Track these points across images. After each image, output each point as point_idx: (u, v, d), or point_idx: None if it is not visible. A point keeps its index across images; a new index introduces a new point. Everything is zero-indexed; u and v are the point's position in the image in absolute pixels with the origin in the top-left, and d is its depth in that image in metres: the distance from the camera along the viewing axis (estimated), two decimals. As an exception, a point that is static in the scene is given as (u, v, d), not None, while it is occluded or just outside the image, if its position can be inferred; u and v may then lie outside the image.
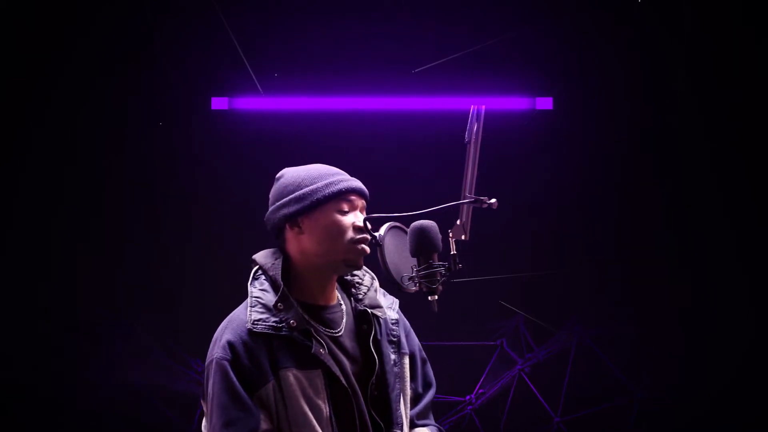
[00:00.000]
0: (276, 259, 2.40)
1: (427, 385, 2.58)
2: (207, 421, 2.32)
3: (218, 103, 4.99)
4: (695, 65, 5.01)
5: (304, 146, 5.01)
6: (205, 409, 2.37)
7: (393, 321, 2.49)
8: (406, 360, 2.50)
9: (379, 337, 2.44)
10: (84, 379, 4.97)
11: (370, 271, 2.54)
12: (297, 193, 2.37)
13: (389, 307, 2.52)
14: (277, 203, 2.40)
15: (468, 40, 5.01)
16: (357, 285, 2.51)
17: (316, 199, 2.35)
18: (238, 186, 5.08)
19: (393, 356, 2.45)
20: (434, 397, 2.60)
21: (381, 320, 2.47)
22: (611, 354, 5.09)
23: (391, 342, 2.46)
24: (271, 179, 2.49)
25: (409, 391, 2.50)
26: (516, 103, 4.99)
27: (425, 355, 2.61)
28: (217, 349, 2.30)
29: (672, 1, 4.89)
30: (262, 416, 2.25)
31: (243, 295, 2.40)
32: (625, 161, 5.25)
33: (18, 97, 4.93)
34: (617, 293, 5.23)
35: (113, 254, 5.10)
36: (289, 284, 2.37)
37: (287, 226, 2.39)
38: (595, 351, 5.08)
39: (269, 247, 2.47)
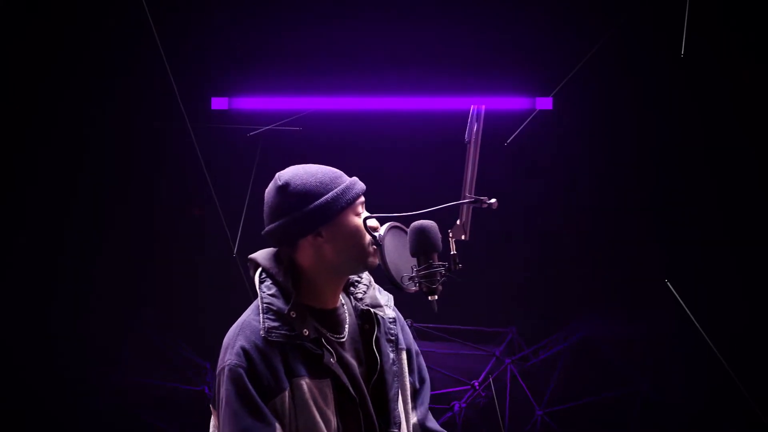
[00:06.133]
0: (281, 264, 2.37)
1: (422, 380, 2.58)
2: (220, 429, 2.28)
3: (218, 103, 4.98)
4: (695, 65, 5.01)
5: (303, 146, 5.01)
6: (215, 416, 2.35)
7: (390, 320, 2.49)
8: (404, 356, 2.50)
9: (379, 336, 2.44)
10: (88, 380, 4.97)
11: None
12: (318, 202, 2.32)
13: (386, 305, 2.51)
14: (291, 216, 2.33)
15: (468, 39, 5.01)
16: (356, 283, 2.50)
17: (338, 207, 2.33)
18: (239, 186, 5.08)
19: (392, 355, 2.45)
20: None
21: (380, 319, 2.46)
22: (611, 354, 5.09)
23: (389, 341, 2.45)
24: (271, 179, 2.45)
25: (408, 387, 2.50)
26: (516, 103, 4.99)
27: (418, 348, 2.60)
28: (230, 356, 2.26)
29: (672, 1, 4.89)
30: (278, 426, 2.22)
31: (244, 294, 2.40)
32: (624, 161, 5.25)
33: (17, 98, 4.93)
34: (617, 293, 5.23)
35: (114, 254, 5.10)
36: (298, 289, 2.34)
37: (308, 237, 2.34)
38: (595, 351, 5.08)
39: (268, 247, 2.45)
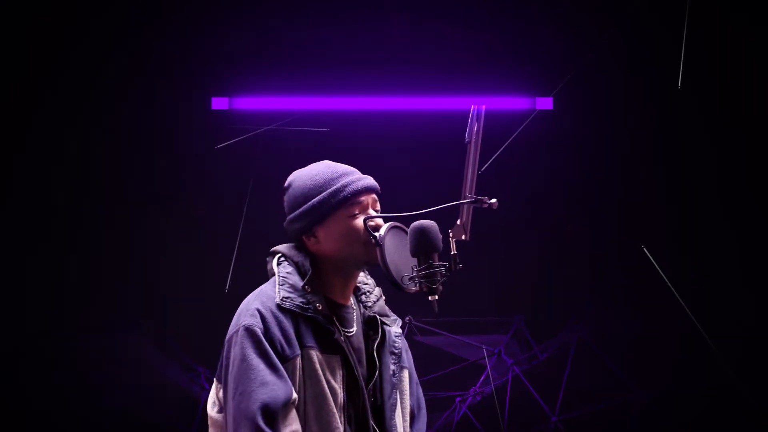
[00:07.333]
0: (300, 251, 2.42)
1: (419, 408, 2.60)
2: (230, 388, 2.26)
3: (218, 103, 4.99)
4: (695, 64, 5.01)
5: (304, 147, 5.02)
6: (217, 388, 2.34)
7: (396, 334, 2.52)
8: (405, 374, 2.53)
9: (382, 345, 2.47)
10: (86, 381, 4.97)
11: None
12: (306, 206, 2.39)
13: (393, 321, 2.54)
14: (291, 216, 2.42)
15: (468, 39, 5.01)
16: (367, 293, 2.54)
17: (325, 210, 2.37)
18: (239, 186, 5.07)
19: (393, 367, 2.47)
20: (430, 397, 2.62)
21: (386, 330, 2.49)
22: (611, 354, 5.09)
23: (392, 353, 2.48)
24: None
25: (408, 406, 2.52)
26: (516, 103, 4.99)
27: (417, 378, 2.63)
28: (245, 318, 2.29)
29: (671, 1, 4.90)
30: (292, 386, 2.25)
31: (245, 295, 2.41)
32: (625, 161, 5.25)
33: (17, 97, 4.93)
34: (617, 293, 5.23)
35: (114, 255, 5.10)
36: (314, 271, 2.39)
37: (303, 237, 2.42)
38: (595, 351, 5.08)
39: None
